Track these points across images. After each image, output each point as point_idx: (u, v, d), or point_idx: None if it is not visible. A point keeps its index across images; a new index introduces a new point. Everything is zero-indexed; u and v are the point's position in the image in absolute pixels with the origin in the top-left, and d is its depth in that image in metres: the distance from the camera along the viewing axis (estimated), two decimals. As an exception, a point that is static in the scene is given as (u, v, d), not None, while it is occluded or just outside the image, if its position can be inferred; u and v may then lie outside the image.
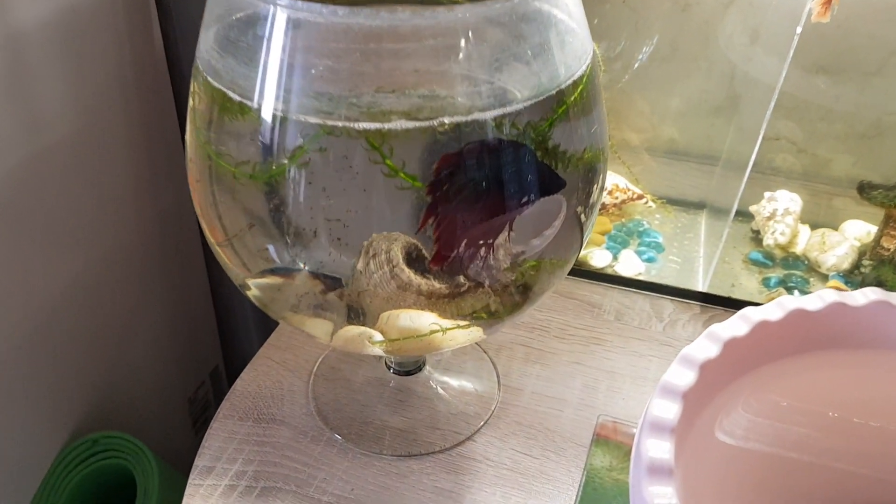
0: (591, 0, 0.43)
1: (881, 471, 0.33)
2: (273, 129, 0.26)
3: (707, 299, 0.49)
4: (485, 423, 0.41)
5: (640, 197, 0.55)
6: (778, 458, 0.32)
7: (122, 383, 0.59)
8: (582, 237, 0.33)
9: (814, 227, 0.53)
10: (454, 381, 0.44)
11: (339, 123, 0.25)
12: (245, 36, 0.27)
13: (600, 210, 0.55)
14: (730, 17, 0.50)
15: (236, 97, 0.27)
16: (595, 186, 0.32)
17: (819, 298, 0.30)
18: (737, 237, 0.54)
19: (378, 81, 0.26)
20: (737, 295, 0.49)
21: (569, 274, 0.37)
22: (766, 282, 0.51)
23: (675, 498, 0.24)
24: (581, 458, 0.39)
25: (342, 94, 0.26)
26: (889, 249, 0.49)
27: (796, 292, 0.50)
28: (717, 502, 0.30)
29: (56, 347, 0.51)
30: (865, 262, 0.50)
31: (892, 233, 0.49)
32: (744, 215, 0.54)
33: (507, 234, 0.28)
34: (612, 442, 0.40)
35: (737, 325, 0.29)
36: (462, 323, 0.32)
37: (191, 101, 0.30)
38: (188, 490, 0.37)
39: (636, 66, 0.53)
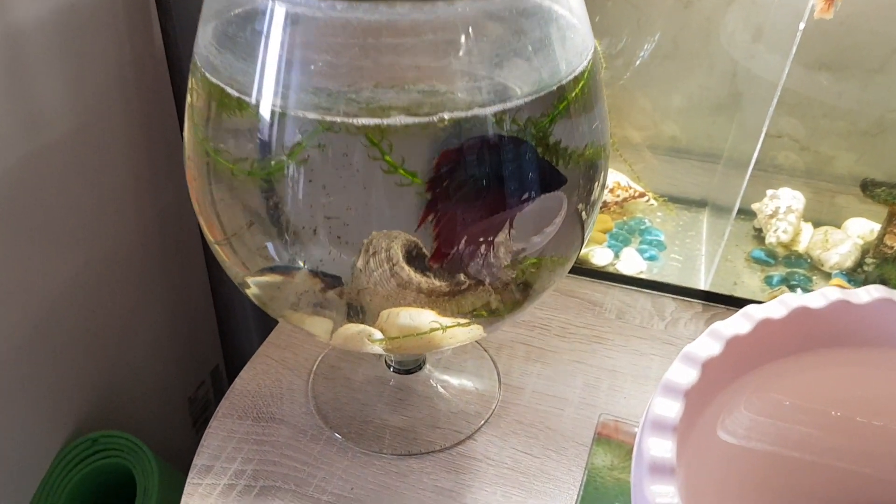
0: (593, -4, 0.42)
1: (884, 470, 0.32)
2: (271, 125, 0.26)
3: (709, 298, 0.49)
4: (485, 421, 0.41)
5: (642, 195, 0.55)
6: (780, 457, 0.32)
7: (122, 382, 0.59)
8: (583, 235, 0.33)
9: (816, 224, 0.53)
10: (454, 380, 0.44)
11: (338, 119, 0.25)
12: (243, 31, 0.26)
13: (602, 208, 0.55)
14: (732, 14, 0.50)
15: (234, 93, 0.27)
16: (596, 183, 0.32)
17: (822, 296, 0.29)
18: (739, 235, 0.54)
19: (377, 77, 0.26)
20: (739, 293, 0.49)
21: (570, 272, 0.37)
22: (768, 280, 0.51)
23: (677, 497, 0.23)
24: (582, 457, 0.39)
25: (341, 90, 0.25)
26: (892, 247, 0.49)
27: (799, 291, 0.50)
28: (719, 502, 0.30)
29: (56, 346, 0.51)
30: (868, 261, 0.50)
31: (896, 231, 0.48)
32: (746, 213, 0.54)
33: (507, 231, 0.28)
34: (613, 441, 0.40)
35: (739, 322, 0.28)
36: (462, 321, 0.31)
37: (189, 98, 0.30)
38: (187, 489, 0.37)
39: (638, 63, 0.53)
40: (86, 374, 0.54)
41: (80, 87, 0.48)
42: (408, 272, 0.29)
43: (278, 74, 0.25)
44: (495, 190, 0.27)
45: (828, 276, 0.51)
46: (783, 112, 0.52)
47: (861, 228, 0.52)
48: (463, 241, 0.28)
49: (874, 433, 0.32)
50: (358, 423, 0.41)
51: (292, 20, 0.25)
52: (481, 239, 0.28)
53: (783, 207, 0.52)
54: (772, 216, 0.52)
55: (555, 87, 0.27)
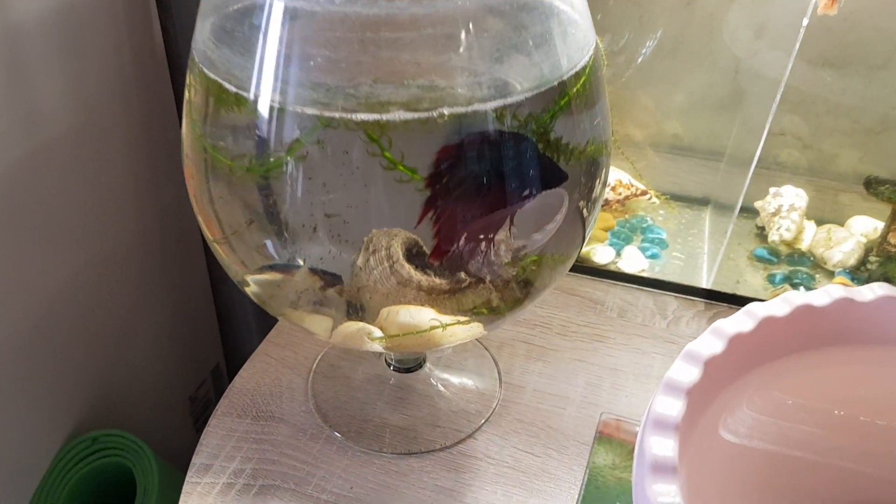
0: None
1: (887, 470, 0.32)
2: (269, 120, 0.26)
3: (711, 296, 0.49)
4: (486, 420, 0.41)
5: (644, 193, 0.55)
6: (782, 456, 0.32)
7: (123, 381, 0.59)
8: (584, 232, 0.32)
9: (819, 223, 0.53)
10: (455, 379, 0.44)
11: (337, 115, 0.25)
12: (241, 26, 0.26)
13: (603, 206, 0.54)
14: (734, 11, 0.50)
15: (232, 88, 0.26)
16: (598, 181, 0.31)
17: (826, 294, 0.29)
18: (741, 233, 0.54)
19: (376, 72, 0.25)
20: (741, 292, 0.49)
21: (571, 270, 0.37)
22: (771, 278, 0.50)
23: (679, 496, 0.23)
24: (583, 456, 0.39)
25: (340, 85, 0.25)
26: (896, 245, 0.48)
27: (802, 289, 0.50)
28: (722, 501, 0.30)
29: (56, 345, 0.51)
30: (872, 259, 0.50)
31: (899, 229, 0.48)
32: (749, 211, 0.54)
33: (508, 228, 0.28)
34: (615, 440, 0.40)
35: (742, 320, 0.28)
36: (462, 319, 0.31)
37: (186, 94, 0.29)
38: (185, 488, 0.37)
39: (640, 60, 0.53)
40: (86, 373, 0.54)
41: (80, 86, 0.48)
42: (408, 270, 0.28)
43: (276, 69, 0.25)
44: (496, 186, 0.27)
45: (831, 274, 0.50)
46: (786, 109, 0.52)
47: (864, 226, 0.52)
48: (463, 238, 0.27)
49: (877, 433, 0.32)
50: (358, 421, 0.41)
51: (291, 14, 0.25)
52: (481, 236, 0.28)
53: (786, 205, 0.52)
54: (774, 214, 0.52)
55: (556, 83, 0.27)
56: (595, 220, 0.33)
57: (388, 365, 0.43)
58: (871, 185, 0.50)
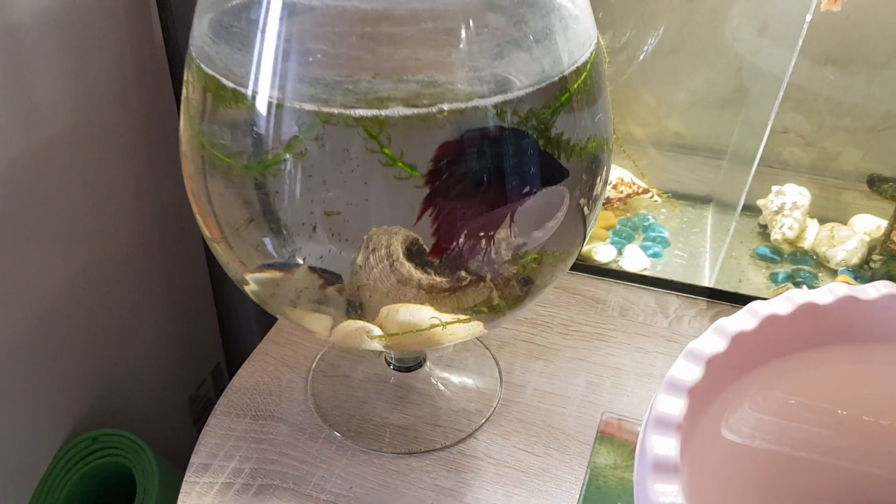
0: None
1: (890, 470, 0.32)
2: (268, 117, 0.26)
3: (713, 295, 0.49)
4: (486, 420, 0.41)
5: (646, 191, 0.55)
6: (785, 456, 0.32)
7: (123, 381, 0.59)
8: (585, 230, 0.32)
9: (822, 221, 0.53)
10: (455, 378, 0.43)
11: (335, 110, 0.25)
12: (239, 21, 0.26)
13: (605, 204, 0.54)
14: (737, 8, 0.50)
15: (230, 84, 0.26)
16: (599, 178, 0.31)
17: (829, 292, 0.29)
18: (744, 232, 0.53)
19: (375, 67, 0.25)
20: (744, 290, 0.49)
21: (572, 269, 0.37)
22: (773, 277, 0.50)
23: (680, 496, 0.23)
24: (585, 455, 0.39)
25: (338, 80, 0.25)
26: (899, 244, 0.48)
27: (804, 288, 0.49)
28: (724, 501, 0.30)
29: (55, 344, 0.51)
30: (875, 257, 0.50)
31: (903, 227, 0.48)
32: (751, 210, 0.54)
33: (508, 225, 0.28)
34: (616, 439, 0.39)
35: (745, 319, 0.28)
36: (462, 317, 0.31)
37: (184, 91, 0.29)
38: (184, 488, 0.37)
39: (642, 57, 0.52)
40: (86, 373, 0.54)
41: (80, 84, 0.48)
42: (408, 268, 0.28)
43: (275, 65, 0.25)
44: (496, 183, 0.26)
45: (834, 273, 0.50)
46: (789, 107, 0.52)
47: (867, 225, 0.52)
48: (463, 236, 0.27)
49: (880, 432, 0.32)
50: (357, 421, 0.40)
51: (289, 9, 0.25)
52: (482, 233, 0.28)
53: (789, 204, 0.51)
54: (777, 212, 0.52)
55: (556, 79, 0.27)
56: (596, 218, 0.33)
57: (388, 364, 0.43)
58: (874, 184, 0.50)
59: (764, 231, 0.53)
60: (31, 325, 0.48)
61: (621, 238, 0.53)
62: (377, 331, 0.31)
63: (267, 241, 0.29)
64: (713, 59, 0.52)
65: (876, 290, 0.29)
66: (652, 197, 0.55)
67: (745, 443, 0.31)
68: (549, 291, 0.41)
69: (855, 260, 0.50)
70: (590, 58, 0.28)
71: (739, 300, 0.48)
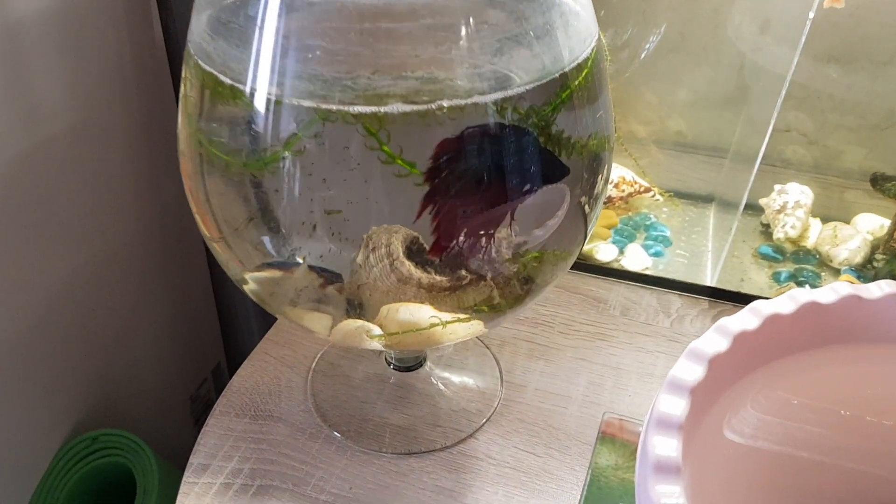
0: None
1: (893, 471, 0.32)
2: (266, 114, 0.25)
3: (715, 294, 0.49)
4: (487, 420, 0.40)
5: (647, 190, 0.54)
6: (788, 457, 0.31)
7: (123, 380, 0.58)
8: (586, 229, 0.32)
9: (825, 220, 0.52)
10: (456, 378, 0.43)
11: (334, 107, 0.25)
12: (237, 17, 0.26)
13: (606, 203, 0.54)
14: (739, 5, 0.50)
15: (228, 81, 0.26)
16: (600, 176, 0.31)
17: (832, 291, 0.29)
18: (746, 231, 0.53)
19: (374, 63, 0.25)
20: (746, 290, 0.48)
21: (574, 268, 0.36)
22: (776, 276, 0.50)
23: (682, 497, 0.23)
24: (586, 456, 0.39)
25: (337, 77, 0.25)
26: (903, 243, 0.48)
27: (807, 287, 0.49)
28: (726, 502, 0.29)
29: (55, 344, 0.51)
30: (878, 257, 0.49)
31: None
32: (753, 209, 0.54)
33: (508, 223, 0.28)
34: (617, 440, 0.39)
35: (747, 318, 0.28)
36: (463, 316, 0.31)
37: (182, 88, 0.29)
38: (182, 488, 0.37)
39: (643, 56, 0.52)
40: (85, 372, 0.54)
41: (80, 83, 0.48)
42: (408, 267, 0.28)
43: (273, 61, 0.25)
44: (496, 181, 0.26)
45: (837, 272, 0.50)
46: (791, 106, 0.52)
47: (871, 224, 0.51)
48: (463, 234, 0.27)
49: (883, 433, 0.31)
50: (357, 421, 0.40)
51: (288, 5, 0.24)
52: (482, 232, 0.27)
53: (791, 203, 0.51)
54: (779, 211, 0.52)
55: (557, 75, 0.27)
56: (597, 217, 0.33)
57: (388, 364, 0.43)
58: (878, 182, 0.50)
59: (766, 230, 0.53)
60: (30, 325, 0.48)
61: (623, 237, 0.53)
62: (377, 330, 0.31)
63: (266, 240, 0.29)
64: (715, 58, 0.52)
65: (879, 289, 0.29)
66: (654, 196, 0.55)
67: (747, 443, 0.31)
68: (549, 290, 0.40)
69: (858, 259, 0.49)
70: (591, 54, 0.28)
71: (742, 300, 0.48)
